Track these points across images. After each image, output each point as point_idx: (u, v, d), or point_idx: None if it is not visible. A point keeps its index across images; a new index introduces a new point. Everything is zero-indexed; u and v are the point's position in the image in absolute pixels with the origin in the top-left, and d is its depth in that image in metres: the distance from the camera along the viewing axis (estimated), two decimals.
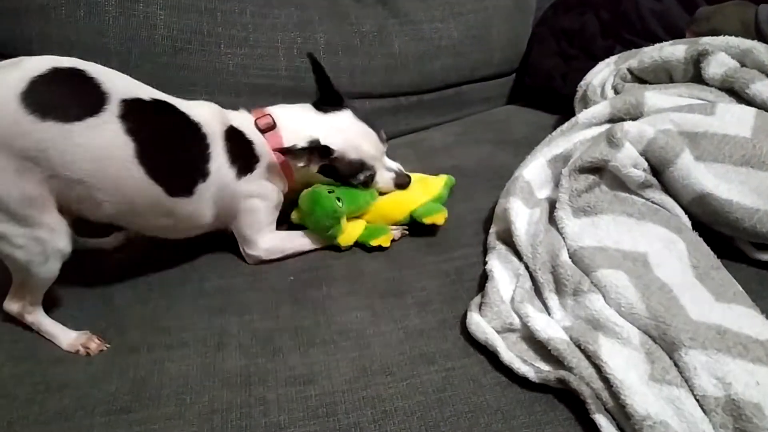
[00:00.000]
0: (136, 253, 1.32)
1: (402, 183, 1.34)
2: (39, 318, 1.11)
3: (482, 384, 0.97)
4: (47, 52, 1.07)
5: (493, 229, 1.22)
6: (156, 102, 1.12)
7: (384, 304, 1.14)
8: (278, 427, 0.93)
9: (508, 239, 1.17)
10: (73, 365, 1.05)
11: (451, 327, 1.08)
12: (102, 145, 1.02)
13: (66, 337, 1.09)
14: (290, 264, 1.28)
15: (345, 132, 1.29)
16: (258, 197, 1.25)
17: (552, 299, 1.05)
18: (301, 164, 1.23)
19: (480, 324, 1.03)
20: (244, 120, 1.26)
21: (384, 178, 1.33)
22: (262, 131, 1.25)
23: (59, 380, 1.02)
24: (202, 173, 1.15)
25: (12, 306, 1.10)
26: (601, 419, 0.88)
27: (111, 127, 1.03)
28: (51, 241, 1.03)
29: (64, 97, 1.01)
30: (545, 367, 0.96)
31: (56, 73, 1.01)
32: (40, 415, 0.96)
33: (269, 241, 1.27)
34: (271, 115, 1.27)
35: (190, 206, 1.16)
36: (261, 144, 1.24)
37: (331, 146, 1.24)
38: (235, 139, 1.21)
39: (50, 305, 1.15)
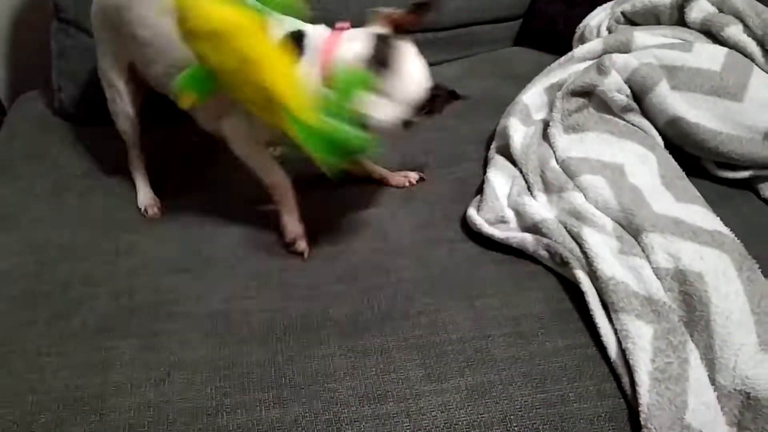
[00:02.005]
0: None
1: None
2: (134, 168, 1.41)
3: (479, 261, 1.17)
4: None
5: (493, 145, 1.41)
6: None
7: (400, 202, 1.34)
8: (310, 285, 1.14)
9: (506, 152, 1.37)
10: (138, 233, 1.27)
11: (455, 220, 1.27)
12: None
13: (145, 193, 1.38)
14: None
15: None
16: None
17: (540, 197, 1.24)
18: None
19: (475, 217, 1.23)
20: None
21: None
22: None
23: (127, 245, 1.24)
24: None
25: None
26: (580, 273, 1.07)
27: None
28: (120, 102, 1.35)
29: None
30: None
31: None
32: (114, 272, 1.18)
33: None
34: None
35: None
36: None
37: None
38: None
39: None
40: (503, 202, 1.26)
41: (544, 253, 1.13)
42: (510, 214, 1.23)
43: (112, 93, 1.36)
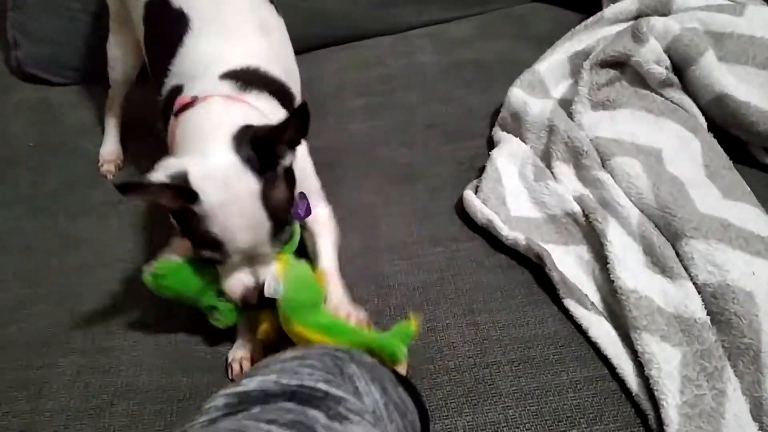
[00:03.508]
0: None
1: (245, 304, 0.87)
2: (109, 118, 1.31)
3: (484, 265, 1.01)
4: None
5: (498, 121, 1.23)
6: None
7: (396, 188, 1.17)
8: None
9: (514, 129, 1.18)
10: (92, 220, 1.11)
11: (459, 212, 1.10)
12: None
13: (109, 146, 1.28)
14: None
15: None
16: None
17: (563, 169, 1.07)
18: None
19: (473, 200, 1.06)
20: None
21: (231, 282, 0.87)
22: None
23: (79, 235, 1.07)
24: None
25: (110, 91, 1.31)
26: (569, 303, 0.92)
27: None
28: (122, 48, 1.24)
29: None
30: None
31: None
32: (60, 269, 1.02)
33: None
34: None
35: None
36: None
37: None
38: None
39: None
40: (507, 185, 1.09)
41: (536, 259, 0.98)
42: (512, 201, 1.06)
43: (116, 38, 1.25)
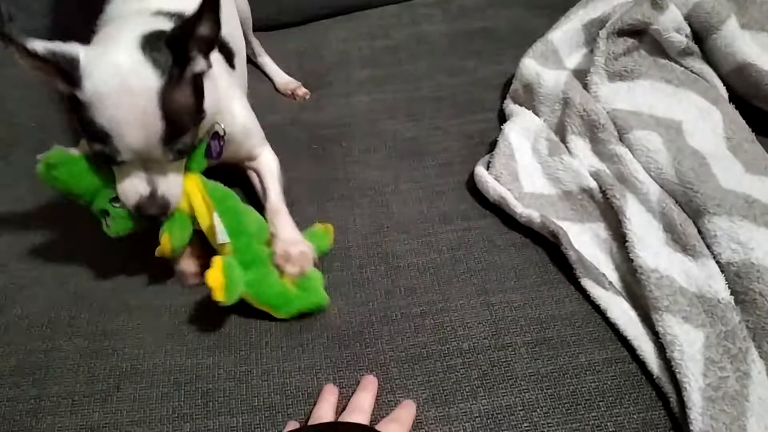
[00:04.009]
0: None
1: (141, 213, 0.85)
2: None
3: (497, 244, 0.97)
4: None
5: (510, 93, 1.19)
6: None
7: (404, 163, 1.12)
8: None
9: (528, 98, 1.14)
10: None
11: (471, 189, 1.06)
12: None
13: None
14: (308, 119, 1.25)
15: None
16: None
17: (578, 143, 1.03)
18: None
19: (484, 175, 1.03)
20: None
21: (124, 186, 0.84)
22: None
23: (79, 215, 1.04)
24: None
25: None
26: (587, 283, 0.89)
27: None
28: None
29: None
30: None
31: None
32: (61, 249, 0.99)
33: None
34: None
35: None
36: None
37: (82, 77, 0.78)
38: None
39: None
40: (520, 161, 1.05)
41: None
42: (526, 177, 1.03)
43: None
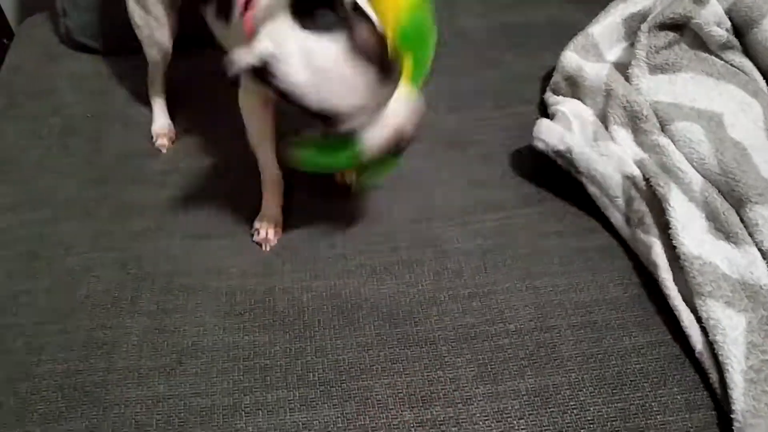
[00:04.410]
0: None
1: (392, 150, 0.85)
2: (154, 95, 1.29)
3: (541, 231, 1.00)
4: None
5: (550, 86, 1.21)
6: None
7: (446, 154, 1.16)
8: (342, 257, 0.98)
9: (569, 90, 1.16)
10: (150, 188, 1.12)
11: (513, 178, 1.09)
12: None
13: (160, 121, 1.27)
14: None
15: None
16: None
17: (621, 133, 1.05)
18: None
19: (550, 125, 1.05)
20: None
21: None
22: None
23: (137, 203, 1.09)
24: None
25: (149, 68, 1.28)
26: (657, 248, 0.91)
27: None
28: (156, 30, 1.19)
29: None
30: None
31: None
32: (122, 234, 1.04)
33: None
34: None
35: None
36: None
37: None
38: None
39: None
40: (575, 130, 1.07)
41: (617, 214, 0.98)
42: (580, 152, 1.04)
43: (146, 20, 1.19)
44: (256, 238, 1.02)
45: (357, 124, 0.80)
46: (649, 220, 0.95)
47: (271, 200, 1.05)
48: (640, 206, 0.96)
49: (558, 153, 1.04)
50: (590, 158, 1.01)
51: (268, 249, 1.02)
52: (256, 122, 1.02)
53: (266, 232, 1.02)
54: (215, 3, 1.01)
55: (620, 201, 0.99)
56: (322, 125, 0.81)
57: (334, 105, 0.78)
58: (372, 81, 0.77)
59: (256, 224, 1.03)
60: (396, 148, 0.84)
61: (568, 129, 1.06)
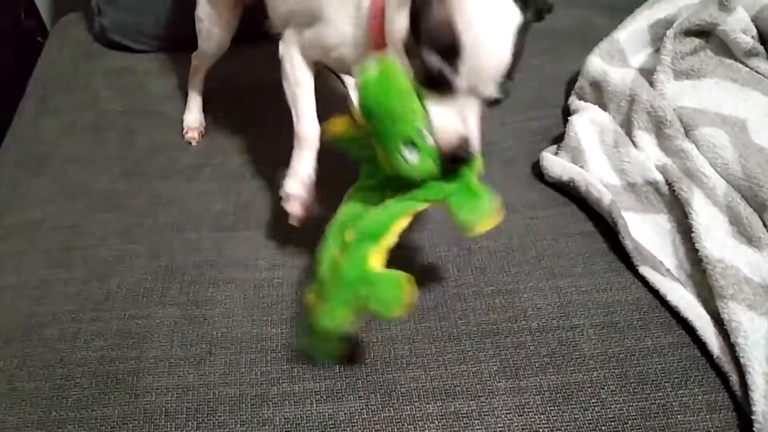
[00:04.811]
0: None
1: (451, 153, 0.76)
2: (193, 89, 1.32)
3: (564, 232, 1.02)
4: None
5: (575, 90, 1.22)
6: None
7: None
8: None
9: (594, 95, 1.18)
10: (181, 181, 1.16)
11: (536, 181, 1.11)
12: None
13: (193, 114, 1.30)
14: None
15: None
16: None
17: (645, 139, 1.07)
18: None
19: (553, 159, 1.08)
20: None
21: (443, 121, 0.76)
22: None
23: (168, 195, 1.13)
24: None
25: (193, 60, 1.31)
26: (645, 270, 0.93)
27: None
28: (216, 24, 1.21)
29: None
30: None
31: None
32: (154, 226, 1.07)
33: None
34: None
35: None
36: None
37: None
38: None
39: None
40: (586, 150, 1.09)
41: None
42: (593, 166, 1.07)
43: (209, 14, 1.21)
44: (284, 205, 0.97)
45: (463, 84, 0.74)
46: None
47: (300, 158, 0.97)
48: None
49: (563, 183, 1.07)
50: (589, 183, 1.03)
51: (296, 223, 0.96)
52: (299, 72, 0.98)
53: (292, 206, 0.95)
54: None
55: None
56: (431, 55, 0.73)
57: (475, 48, 0.72)
58: (505, 66, 0.74)
59: (285, 187, 0.96)
60: (458, 151, 0.76)
61: (578, 148, 1.09)
